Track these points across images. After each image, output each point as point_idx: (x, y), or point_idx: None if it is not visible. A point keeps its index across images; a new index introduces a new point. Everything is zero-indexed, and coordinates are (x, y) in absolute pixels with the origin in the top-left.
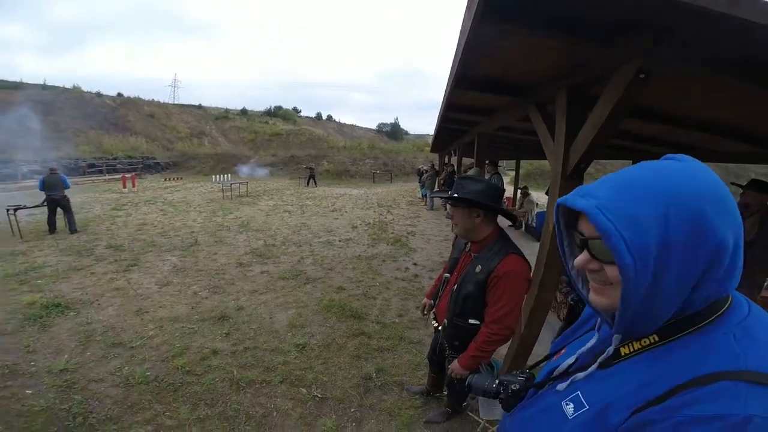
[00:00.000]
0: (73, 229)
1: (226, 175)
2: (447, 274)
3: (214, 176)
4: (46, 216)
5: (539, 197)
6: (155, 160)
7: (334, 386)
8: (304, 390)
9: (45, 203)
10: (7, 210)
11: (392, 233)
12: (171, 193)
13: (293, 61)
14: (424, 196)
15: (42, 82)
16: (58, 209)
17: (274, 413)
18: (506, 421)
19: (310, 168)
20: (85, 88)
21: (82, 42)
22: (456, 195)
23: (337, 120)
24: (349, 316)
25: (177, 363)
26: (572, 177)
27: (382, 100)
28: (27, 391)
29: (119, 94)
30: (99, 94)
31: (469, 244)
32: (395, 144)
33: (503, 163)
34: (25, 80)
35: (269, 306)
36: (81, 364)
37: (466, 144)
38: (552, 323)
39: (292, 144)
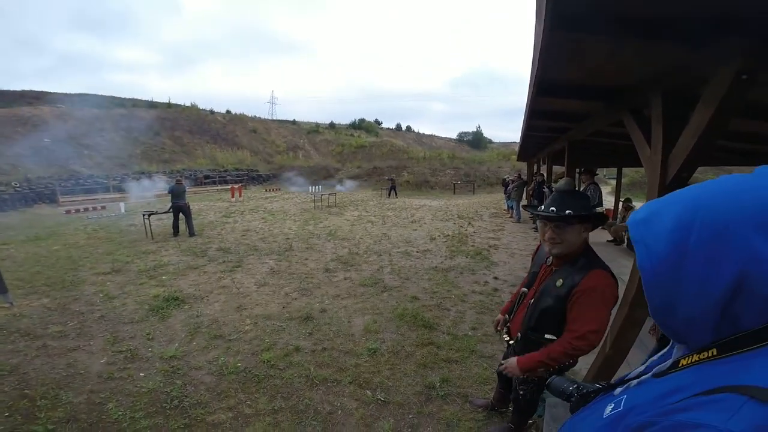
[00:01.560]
0: (192, 233)
1: (317, 186)
2: (524, 289)
3: (310, 187)
4: (172, 221)
5: None
6: (258, 172)
7: (397, 392)
8: (369, 392)
9: (171, 209)
10: (143, 215)
11: (472, 246)
12: (271, 202)
13: (373, 73)
14: (510, 207)
15: (167, 101)
16: (181, 215)
17: (339, 411)
18: (566, 424)
19: (392, 179)
20: (200, 106)
21: (195, 62)
22: (571, 212)
23: (416, 131)
24: (421, 325)
25: (264, 357)
26: (672, 187)
27: (461, 108)
28: (140, 374)
29: (228, 111)
30: (212, 111)
31: (551, 258)
32: (478, 153)
33: (602, 171)
34: (155, 99)
35: (349, 310)
36: (187, 352)
37: (556, 152)
38: (646, 344)
39: (375, 155)
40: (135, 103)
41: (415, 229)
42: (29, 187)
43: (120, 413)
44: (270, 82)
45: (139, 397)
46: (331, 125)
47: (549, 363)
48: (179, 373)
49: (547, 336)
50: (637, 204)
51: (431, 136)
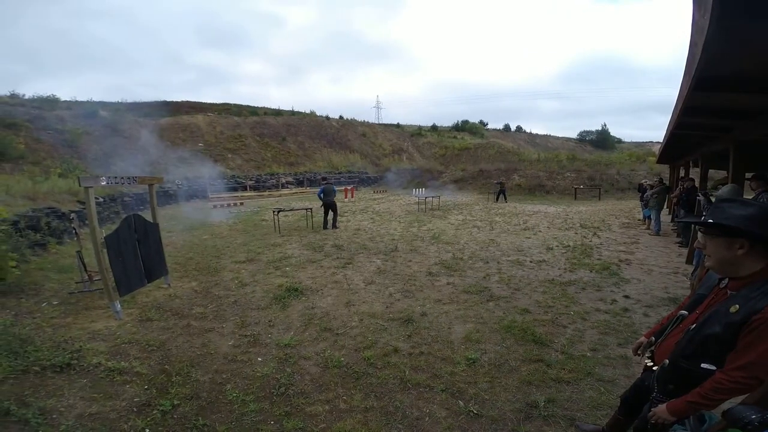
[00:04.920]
0: (335, 225)
1: (421, 189)
2: (684, 312)
3: (414, 189)
4: (322, 216)
5: None
6: (367, 174)
7: (493, 406)
8: (461, 403)
9: (322, 206)
10: (273, 211)
11: (599, 259)
12: (378, 204)
13: (473, 74)
14: (648, 217)
15: (291, 108)
16: (330, 211)
17: (427, 418)
18: None
19: (500, 182)
20: (317, 113)
21: (304, 71)
22: (711, 220)
23: (527, 131)
24: (530, 340)
25: (365, 354)
26: None
27: (578, 105)
28: (258, 359)
29: (341, 117)
30: (327, 118)
31: (726, 279)
32: (604, 154)
33: None
34: (282, 107)
35: (449, 317)
36: (299, 342)
37: (713, 153)
38: None
39: (481, 158)
40: (265, 111)
41: (528, 237)
42: (188, 185)
43: (234, 395)
44: (372, 86)
45: (254, 381)
46: (434, 128)
47: (704, 402)
48: (290, 362)
49: (703, 366)
50: None
51: (546, 136)
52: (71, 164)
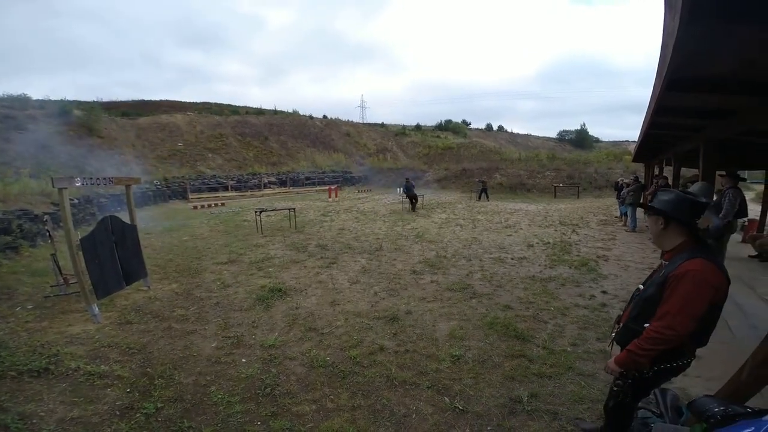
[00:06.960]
0: (413, 209)
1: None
2: (641, 285)
3: (398, 188)
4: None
5: None
6: (351, 174)
7: (478, 402)
8: (447, 399)
9: (408, 197)
10: (255, 212)
11: (577, 255)
12: (363, 203)
13: (456, 74)
14: (624, 214)
15: (273, 108)
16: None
17: (414, 415)
18: None
19: (482, 181)
20: (300, 112)
21: (286, 72)
22: (650, 203)
23: (509, 130)
24: (513, 336)
25: (351, 353)
26: None
27: (557, 105)
28: (242, 360)
29: (324, 116)
30: (311, 117)
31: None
32: (582, 153)
33: (742, 174)
34: (264, 107)
35: (434, 314)
36: (284, 342)
37: (685, 152)
38: None
39: (464, 157)
40: (247, 111)
41: (510, 235)
42: (166, 185)
43: (219, 396)
44: (357, 86)
45: (238, 382)
46: (417, 127)
47: (639, 352)
48: (275, 362)
49: (645, 325)
50: None
51: (526, 136)
52: (43, 164)
